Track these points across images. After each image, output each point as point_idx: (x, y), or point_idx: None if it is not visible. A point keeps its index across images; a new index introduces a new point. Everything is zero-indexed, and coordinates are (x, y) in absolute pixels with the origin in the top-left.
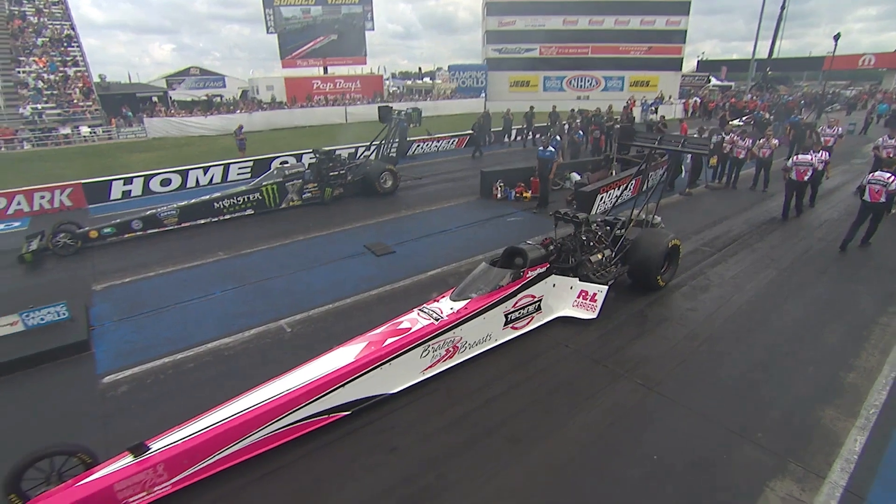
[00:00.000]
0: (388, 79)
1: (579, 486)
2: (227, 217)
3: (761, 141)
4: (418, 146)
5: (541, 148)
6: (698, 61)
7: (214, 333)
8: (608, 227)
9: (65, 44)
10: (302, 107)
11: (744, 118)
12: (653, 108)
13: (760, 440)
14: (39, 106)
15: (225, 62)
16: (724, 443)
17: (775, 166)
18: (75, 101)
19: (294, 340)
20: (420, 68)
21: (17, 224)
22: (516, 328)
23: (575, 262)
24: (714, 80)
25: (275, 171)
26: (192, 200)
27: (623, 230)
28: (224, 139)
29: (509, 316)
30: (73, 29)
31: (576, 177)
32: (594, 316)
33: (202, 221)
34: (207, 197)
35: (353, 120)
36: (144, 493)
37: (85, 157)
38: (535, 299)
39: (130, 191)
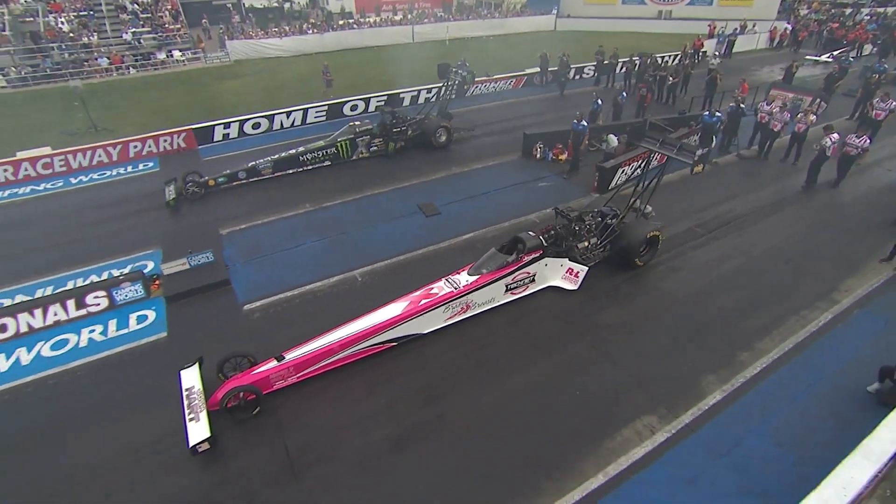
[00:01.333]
0: None
1: (527, 401)
2: (310, 168)
3: (799, 115)
4: (476, 87)
5: (575, 121)
6: None
7: (309, 278)
8: (600, 218)
9: None
10: (370, 26)
11: (832, 54)
12: (730, 39)
13: (652, 391)
14: (136, 31)
15: None
16: (628, 389)
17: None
18: (166, 24)
19: (364, 290)
20: None
21: (150, 164)
22: (514, 293)
23: (566, 247)
24: None
25: (347, 129)
26: (282, 154)
27: (614, 220)
28: (297, 63)
29: (509, 286)
30: None
31: (613, 139)
32: (576, 288)
33: (290, 171)
34: (294, 151)
35: (419, 39)
36: (282, 381)
37: (181, 84)
38: (530, 275)
39: (228, 133)
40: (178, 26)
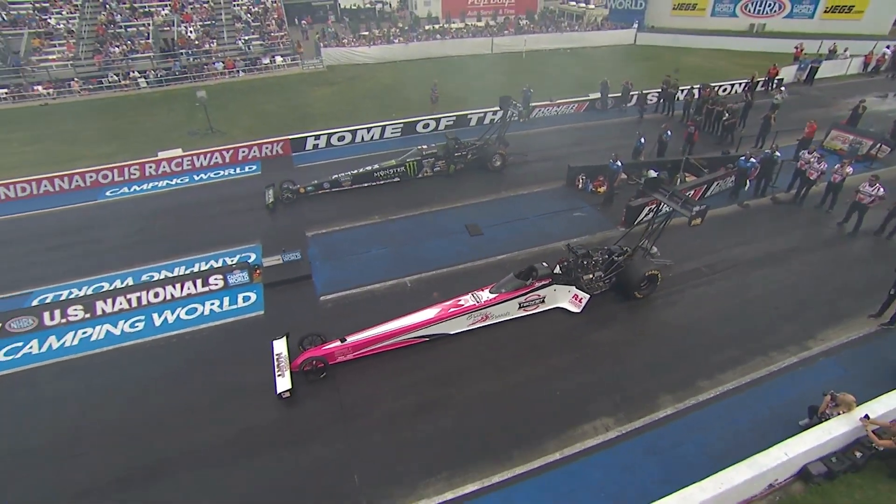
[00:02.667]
0: None
1: (518, 393)
2: (382, 182)
3: (836, 167)
4: (538, 111)
5: (611, 160)
6: None
7: (371, 279)
8: (608, 255)
9: None
10: (452, 37)
11: None
12: (813, 65)
13: (616, 399)
14: (247, 38)
15: None
16: (597, 395)
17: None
18: (272, 32)
19: (411, 294)
20: None
21: (254, 168)
22: (526, 310)
23: (574, 277)
24: None
25: (415, 151)
26: (360, 170)
27: (620, 258)
28: (383, 70)
29: (521, 304)
30: None
31: (652, 174)
32: (579, 311)
33: (366, 185)
34: (370, 168)
35: (497, 51)
36: (343, 356)
37: (280, 89)
38: (540, 297)
39: (318, 144)
40: (282, 33)
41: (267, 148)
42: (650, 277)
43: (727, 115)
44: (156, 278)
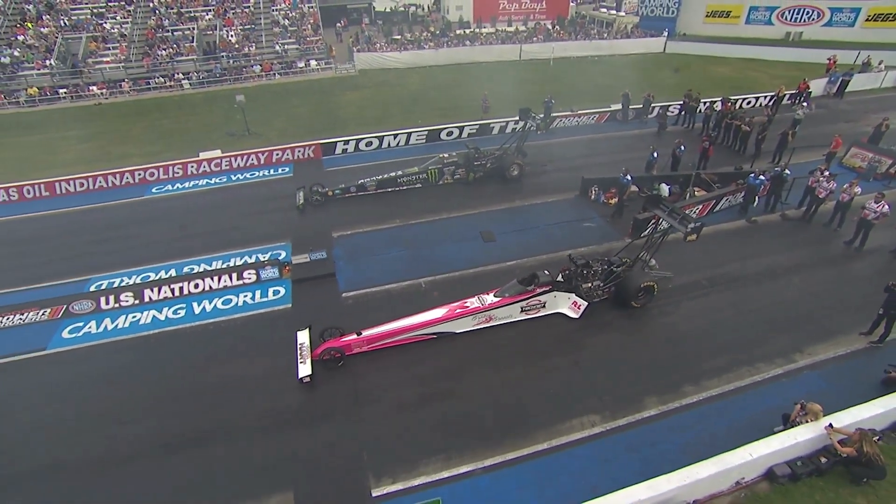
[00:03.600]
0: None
1: (514, 388)
2: (405, 188)
3: (845, 186)
4: (559, 121)
5: (621, 174)
6: None
7: (389, 280)
8: (607, 266)
9: None
10: (482, 43)
11: None
12: (844, 79)
13: (604, 399)
14: (284, 42)
15: None
16: (587, 395)
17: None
18: (308, 36)
19: (425, 295)
20: None
21: (286, 169)
22: (527, 314)
23: (574, 285)
24: None
25: (437, 159)
26: (384, 175)
27: (619, 269)
28: (412, 75)
29: (523, 308)
30: None
31: (665, 189)
32: (577, 317)
33: (389, 190)
34: (394, 174)
35: (525, 57)
36: (358, 348)
37: (313, 93)
38: (541, 302)
39: (347, 149)
40: (317, 38)
41: (299, 151)
42: (646, 288)
43: (745, 127)
44: (196, 271)
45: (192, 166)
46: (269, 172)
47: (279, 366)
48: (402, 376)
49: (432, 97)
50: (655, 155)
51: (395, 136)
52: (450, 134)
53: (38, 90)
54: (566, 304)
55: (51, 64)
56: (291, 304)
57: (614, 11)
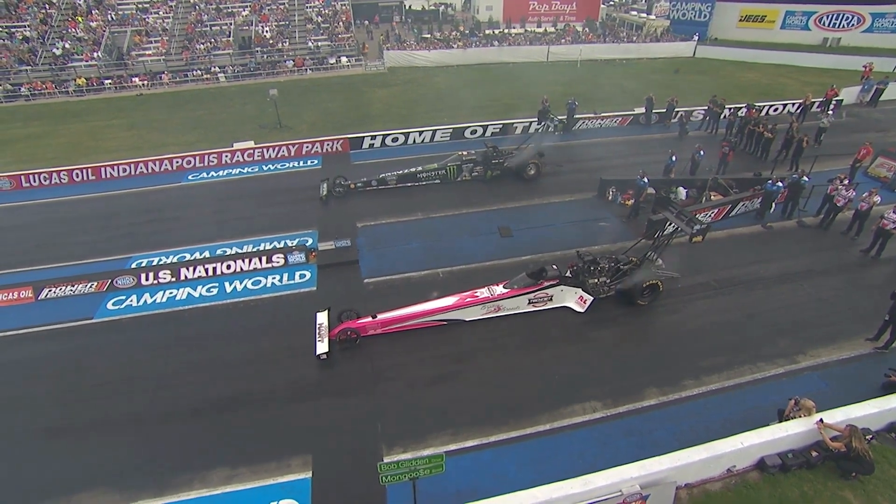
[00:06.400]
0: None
1: (520, 374)
2: (424, 183)
3: (865, 195)
4: (582, 123)
5: (638, 177)
6: None
7: (408, 269)
8: (614, 263)
9: None
10: (510, 44)
11: None
12: (879, 87)
13: (606, 388)
14: (317, 39)
15: None
16: (590, 383)
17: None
18: (339, 34)
19: (441, 284)
20: None
21: (315, 162)
22: (535, 306)
23: (581, 280)
24: None
25: (456, 157)
26: (405, 171)
27: (625, 267)
28: (439, 74)
29: (531, 300)
30: None
31: (682, 192)
32: (583, 311)
33: (410, 185)
34: (414, 169)
35: (553, 59)
36: (373, 330)
37: (343, 88)
38: (548, 295)
39: (374, 144)
40: (349, 35)
41: (328, 145)
42: (651, 287)
43: (767, 133)
44: (228, 253)
45: (227, 156)
46: (298, 164)
47: (303, 344)
48: (415, 358)
49: (461, 96)
50: (674, 158)
51: (421, 133)
52: (474, 132)
53: (86, 80)
54: (573, 299)
55: (98, 56)
56: (316, 287)
57: (644, 14)
